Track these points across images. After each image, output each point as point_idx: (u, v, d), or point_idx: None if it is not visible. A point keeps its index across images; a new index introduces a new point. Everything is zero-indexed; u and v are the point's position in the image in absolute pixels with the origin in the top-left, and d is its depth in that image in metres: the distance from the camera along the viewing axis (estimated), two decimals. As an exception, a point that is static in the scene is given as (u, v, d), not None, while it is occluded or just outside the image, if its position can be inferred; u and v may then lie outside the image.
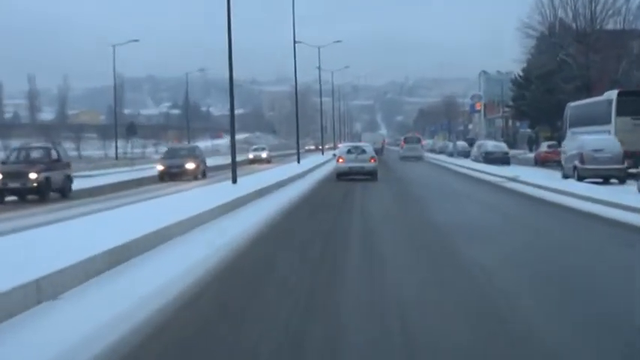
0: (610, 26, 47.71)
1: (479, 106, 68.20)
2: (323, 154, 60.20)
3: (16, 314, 5.75)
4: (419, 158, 50.70)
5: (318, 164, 39.69)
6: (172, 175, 28.94)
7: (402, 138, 63.63)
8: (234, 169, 21.49)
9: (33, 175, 20.07)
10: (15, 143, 39.28)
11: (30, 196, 20.41)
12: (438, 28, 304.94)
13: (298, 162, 40.00)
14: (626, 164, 22.41)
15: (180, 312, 6.27)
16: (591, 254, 9.62)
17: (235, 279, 8.03)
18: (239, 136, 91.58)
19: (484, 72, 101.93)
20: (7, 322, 5.58)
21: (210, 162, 38.00)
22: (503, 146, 43.03)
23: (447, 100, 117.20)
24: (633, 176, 20.50)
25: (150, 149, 73.81)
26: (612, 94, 27.35)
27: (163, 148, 51.66)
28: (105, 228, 10.37)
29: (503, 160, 38.21)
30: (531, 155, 44.76)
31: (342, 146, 31.91)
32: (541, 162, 37.65)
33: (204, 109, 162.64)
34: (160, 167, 30.03)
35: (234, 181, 21.13)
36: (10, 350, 5.00)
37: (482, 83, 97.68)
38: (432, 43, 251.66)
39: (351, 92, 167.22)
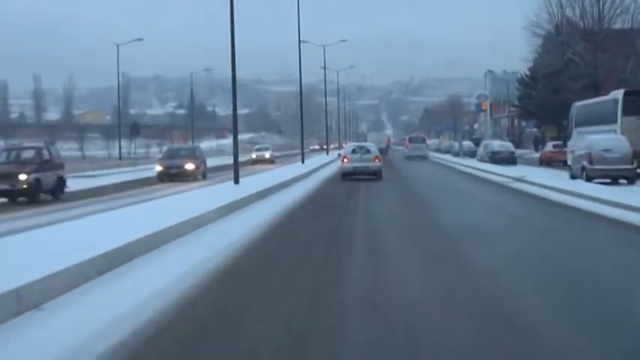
0: (618, 25, 47.48)
1: (485, 106, 67.90)
2: (328, 154, 60.07)
3: (-6, 326, 5.38)
4: (423, 158, 51.03)
5: (322, 164, 39.60)
6: (171, 176, 28.48)
7: (407, 138, 63.75)
8: (236, 170, 21.28)
9: (23, 177, 19.50)
10: (25, 144, 39.00)
11: (20, 198, 19.84)
12: (443, 28, 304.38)
13: (302, 162, 39.87)
14: (635, 164, 22.13)
15: (175, 321, 5.93)
16: (604, 256, 9.41)
17: (236, 281, 7.90)
18: (244, 136, 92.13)
19: (490, 71, 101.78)
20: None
21: (213, 162, 37.84)
22: (509, 146, 42.88)
23: (453, 99, 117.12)
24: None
25: (154, 149, 73.86)
26: (618, 94, 27.14)
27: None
28: (96, 232, 9.91)
29: (510, 160, 38.05)
30: (537, 155, 44.49)
31: (347, 146, 31.93)
32: (546, 162, 37.48)
33: (209, 109, 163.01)
34: (158, 168, 29.45)
35: (237, 181, 20.92)
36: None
37: (488, 83, 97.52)
38: (437, 43, 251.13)
39: (357, 92, 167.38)
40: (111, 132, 69.62)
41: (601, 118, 27.31)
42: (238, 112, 22.88)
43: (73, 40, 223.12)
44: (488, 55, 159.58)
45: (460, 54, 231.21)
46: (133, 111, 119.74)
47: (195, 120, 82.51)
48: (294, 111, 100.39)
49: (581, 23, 48.46)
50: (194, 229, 11.37)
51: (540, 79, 54.34)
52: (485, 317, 5.89)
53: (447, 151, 61.64)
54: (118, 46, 52.82)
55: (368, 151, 26.80)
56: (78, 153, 70.25)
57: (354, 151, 27.01)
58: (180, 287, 7.15)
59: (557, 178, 23.57)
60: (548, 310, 6.11)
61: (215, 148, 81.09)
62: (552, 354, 4.89)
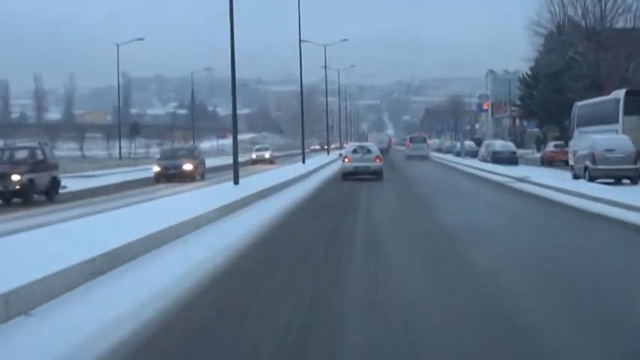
0: (620, 24, 47.32)
1: (486, 106, 67.76)
2: (329, 154, 60.02)
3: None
4: (424, 157, 51.11)
5: (323, 164, 39.57)
6: (169, 176, 28.16)
7: (408, 138, 63.77)
8: (236, 170, 21.22)
9: (16, 177, 19.22)
10: (18, 144, 38.94)
11: (15, 199, 19.64)
12: (444, 27, 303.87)
13: (303, 162, 39.82)
14: (638, 164, 22.08)
15: (175, 321, 5.91)
16: (605, 257, 9.37)
17: (236, 281, 7.87)
18: (246, 136, 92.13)
19: (491, 71, 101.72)
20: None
21: (213, 162, 37.79)
22: (511, 146, 42.88)
23: (454, 99, 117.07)
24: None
25: (154, 149, 73.81)
26: (620, 94, 27.12)
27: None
28: (96, 232, 9.86)
29: (511, 159, 38.04)
30: (539, 155, 44.46)
31: (348, 146, 31.92)
32: (547, 161, 37.44)
33: (210, 108, 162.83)
34: (156, 168, 29.09)
35: (236, 182, 20.87)
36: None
37: (490, 82, 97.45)
38: (438, 42, 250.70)
39: (358, 92, 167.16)
40: (111, 132, 69.58)
41: (602, 118, 27.27)
42: (239, 112, 22.86)
43: (74, 39, 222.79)
44: (489, 55, 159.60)
45: (461, 54, 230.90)
46: (134, 111, 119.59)
47: (196, 120, 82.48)
48: (295, 111, 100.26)
49: (583, 22, 48.33)
50: (194, 229, 11.35)
51: (542, 78, 54.24)
52: (486, 317, 5.88)
53: (448, 151, 61.59)
54: (118, 46, 52.90)
55: (369, 151, 26.80)
56: (78, 153, 70.27)
57: (355, 151, 27.02)
58: (181, 287, 7.13)
59: (559, 178, 23.51)
60: (549, 310, 6.10)
61: (216, 148, 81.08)
62: (552, 354, 4.88)
